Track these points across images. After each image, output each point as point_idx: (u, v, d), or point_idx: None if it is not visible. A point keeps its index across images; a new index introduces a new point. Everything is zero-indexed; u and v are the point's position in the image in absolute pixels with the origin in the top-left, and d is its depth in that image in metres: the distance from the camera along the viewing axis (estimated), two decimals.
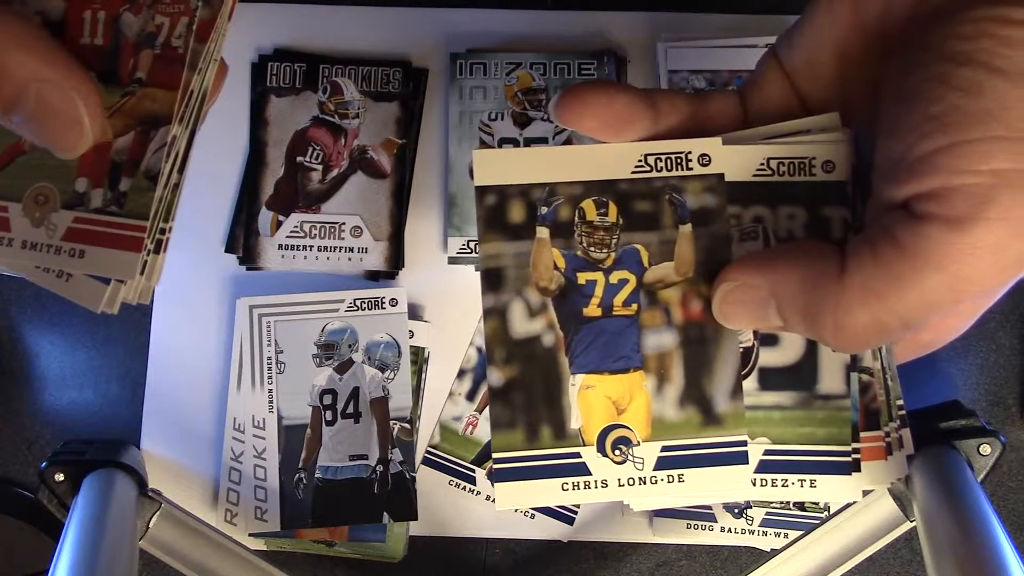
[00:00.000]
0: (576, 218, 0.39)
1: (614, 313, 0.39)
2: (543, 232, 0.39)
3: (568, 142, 0.74)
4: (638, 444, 0.39)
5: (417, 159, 0.76)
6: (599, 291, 0.39)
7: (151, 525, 0.64)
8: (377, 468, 0.72)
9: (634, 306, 0.39)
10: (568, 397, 0.39)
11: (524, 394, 0.39)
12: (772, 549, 0.68)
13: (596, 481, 0.39)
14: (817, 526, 0.64)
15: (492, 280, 0.39)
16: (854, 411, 0.39)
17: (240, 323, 0.73)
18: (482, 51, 0.76)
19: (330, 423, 0.73)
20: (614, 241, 0.39)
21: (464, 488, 0.74)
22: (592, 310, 0.39)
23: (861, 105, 0.38)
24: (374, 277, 0.75)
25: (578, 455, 0.39)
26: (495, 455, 0.39)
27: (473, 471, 0.74)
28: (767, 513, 0.72)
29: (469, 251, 0.73)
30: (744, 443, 0.39)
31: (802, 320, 0.35)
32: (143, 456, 0.73)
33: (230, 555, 0.66)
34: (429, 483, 0.74)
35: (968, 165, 0.30)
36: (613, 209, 0.39)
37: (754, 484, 0.39)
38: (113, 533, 0.58)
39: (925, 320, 0.33)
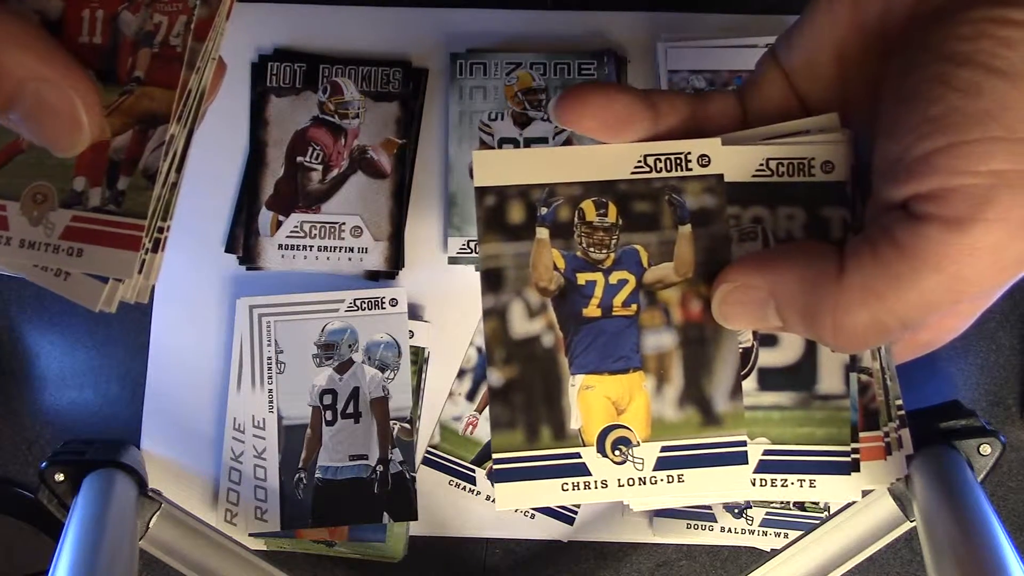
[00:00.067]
0: (576, 219, 0.39)
1: (614, 313, 0.39)
2: (543, 233, 0.39)
3: (568, 142, 0.74)
4: (638, 444, 0.39)
5: (417, 159, 0.76)
6: (599, 291, 0.39)
7: (151, 525, 0.65)
8: (377, 468, 0.72)
9: (634, 306, 0.39)
10: (568, 397, 0.39)
11: (524, 394, 0.39)
12: (772, 549, 0.68)
13: (596, 481, 0.39)
14: (817, 526, 0.64)
15: (492, 281, 0.39)
16: (853, 411, 0.39)
17: (240, 323, 0.73)
18: (482, 51, 0.76)
19: (330, 423, 0.73)
20: (613, 242, 0.39)
21: (464, 488, 0.74)
22: (592, 310, 0.39)
23: (860, 105, 0.38)
24: (374, 277, 0.75)
25: (578, 455, 0.39)
26: (495, 455, 0.39)
27: (473, 471, 0.74)
28: (767, 513, 0.72)
29: (469, 251, 0.73)
30: (743, 443, 0.39)
31: (801, 320, 0.36)
32: (143, 456, 0.73)
33: (230, 555, 0.66)
34: (429, 483, 0.74)
35: (967, 166, 0.30)
36: (612, 210, 0.39)
37: (753, 484, 0.39)
38: (113, 533, 0.58)
39: (924, 320, 0.33)
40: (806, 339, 0.39)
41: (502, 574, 0.74)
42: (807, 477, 0.39)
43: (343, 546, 0.73)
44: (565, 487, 0.38)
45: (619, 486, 0.39)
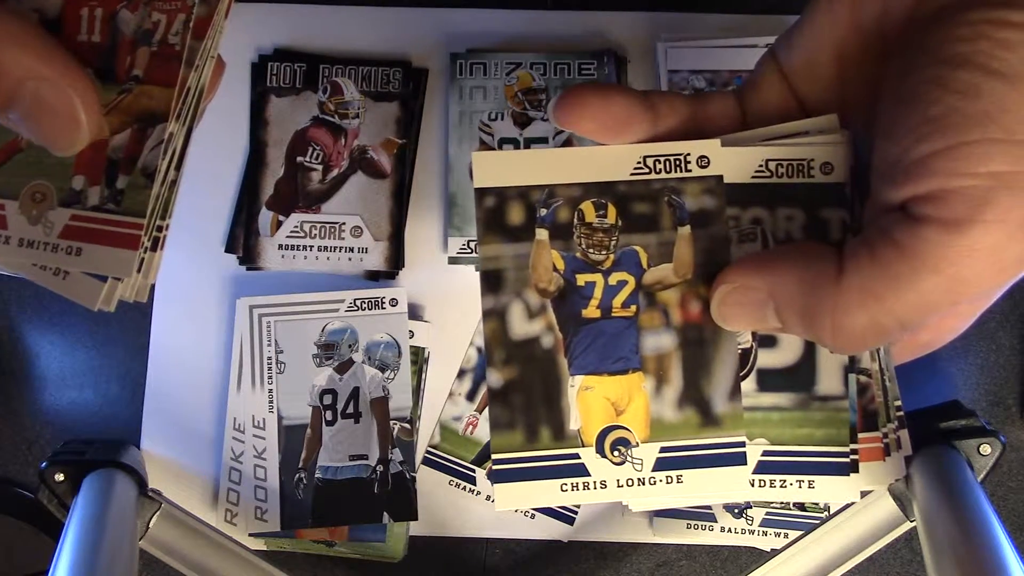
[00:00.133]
0: (575, 220, 0.39)
1: (613, 314, 0.39)
2: (542, 234, 0.39)
3: (568, 143, 0.74)
4: (637, 445, 0.39)
5: (417, 159, 0.76)
6: (598, 292, 0.39)
7: (151, 525, 0.65)
8: (377, 468, 0.72)
9: (633, 307, 0.39)
10: (567, 398, 0.39)
11: (523, 395, 0.39)
12: (772, 549, 0.68)
13: (595, 482, 0.39)
14: (817, 526, 0.64)
15: (491, 282, 0.39)
16: (852, 412, 0.39)
17: (240, 323, 0.73)
18: (482, 51, 0.76)
19: (330, 423, 0.73)
20: (613, 243, 0.39)
21: (464, 488, 0.74)
22: (591, 311, 0.39)
23: (859, 107, 0.38)
24: (374, 277, 0.75)
25: (577, 456, 0.39)
26: (494, 456, 0.39)
27: (473, 471, 0.74)
28: (767, 513, 0.72)
29: (469, 251, 0.73)
30: (742, 444, 0.39)
31: (800, 321, 0.36)
32: (143, 456, 0.73)
33: (230, 555, 0.66)
34: (429, 483, 0.74)
35: (966, 167, 0.30)
36: (612, 211, 0.39)
37: (752, 485, 0.39)
38: (113, 533, 0.58)
39: (923, 321, 0.33)
40: (805, 340, 0.39)
41: (502, 574, 0.74)
42: (806, 478, 0.39)
43: (343, 546, 0.73)
44: (564, 488, 0.39)
45: (618, 487, 0.39)
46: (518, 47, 0.77)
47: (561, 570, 0.74)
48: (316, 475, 0.72)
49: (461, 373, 0.75)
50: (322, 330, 0.73)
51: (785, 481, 0.39)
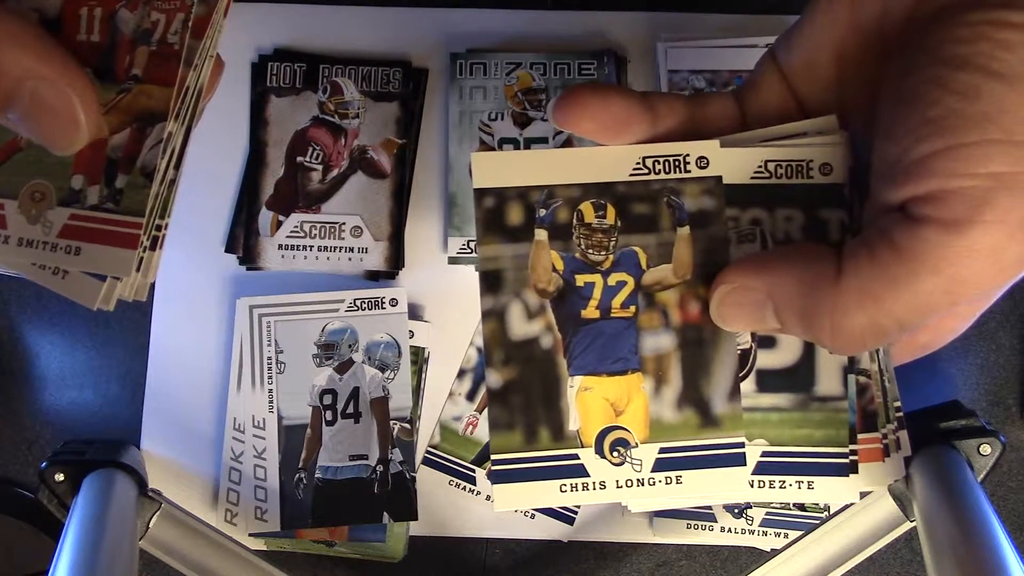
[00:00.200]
0: (574, 220, 0.39)
1: (612, 315, 0.39)
2: (541, 234, 0.39)
3: (568, 143, 0.74)
4: (636, 446, 0.39)
5: (417, 159, 0.76)
6: (597, 293, 0.39)
7: (151, 525, 0.65)
8: (377, 468, 0.72)
9: (632, 308, 0.39)
10: (566, 399, 0.39)
11: (522, 396, 0.39)
12: (772, 549, 0.68)
13: (594, 482, 0.39)
14: (817, 526, 0.64)
15: (491, 282, 0.39)
16: (851, 413, 0.39)
17: (240, 323, 0.73)
18: (482, 51, 0.76)
19: (330, 423, 0.73)
20: (612, 243, 0.39)
21: (464, 488, 0.74)
22: (590, 312, 0.39)
23: (859, 107, 0.38)
24: (374, 277, 0.75)
25: (576, 456, 0.39)
26: (493, 456, 0.39)
27: (473, 471, 0.74)
28: (767, 513, 0.72)
29: (469, 251, 0.73)
30: (742, 444, 0.39)
31: (799, 322, 0.36)
32: (143, 456, 0.73)
33: (230, 555, 0.66)
34: (429, 483, 0.74)
35: (965, 168, 0.30)
36: (611, 211, 0.39)
37: (752, 485, 0.39)
38: (113, 533, 0.58)
39: (922, 322, 0.33)
40: (804, 341, 0.39)
41: (502, 574, 0.74)
42: (805, 478, 0.39)
43: (343, 546, 0.73)
44: (563, 488, 0.38)
45: (617, 487, 0.39)
46: (518, 47, 0.77)
47: (561, 570, 0.74)
48: (316, 475, 0.72)
49: (461, 373, 0.75)
50: (322, 330, 0.73)
51: (784, 482, 0.39)
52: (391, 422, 0.72)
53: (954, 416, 0.65)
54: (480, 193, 0.39)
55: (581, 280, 0.39)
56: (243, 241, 0.74)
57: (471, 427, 0.74)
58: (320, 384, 0.73)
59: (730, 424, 0.39)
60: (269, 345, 0.73)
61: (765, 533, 0.72)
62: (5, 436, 0.75)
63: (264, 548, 0.73)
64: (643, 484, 0.39)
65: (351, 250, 0.74)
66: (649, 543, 0.74)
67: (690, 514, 0.72)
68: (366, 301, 0.73)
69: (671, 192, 0.39)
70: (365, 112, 0.75)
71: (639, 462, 0.39)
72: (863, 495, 0.59)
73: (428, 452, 0.74)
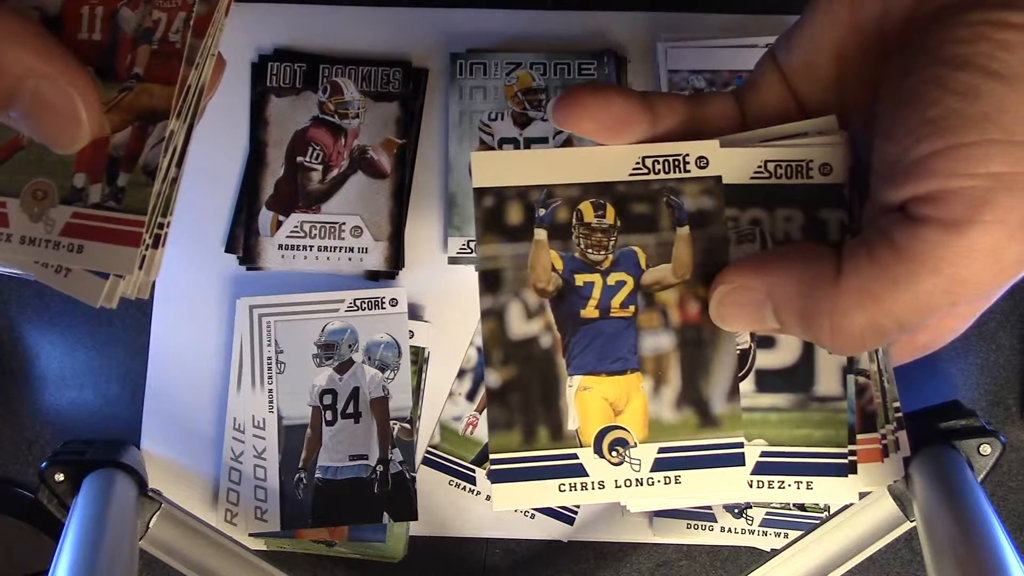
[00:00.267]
0: (574, 220, 0.39)
1: (611, 315, 0.39)
2: (541, 234, 0.39)
3: (568, 143, 0.74)
4: (635, 445, 0.39)
5: (417, 159, 0.76)
6: (597, 293, 0.39)
7: (151, 525, 0.65)
8: (377, 468, 0.72)
9: (631, 308, 0.39)
10: (565, 398, 0.39)
11: (521, 395, 0.39)
12: (772, 549, 0.68)
13: (593, 482, 0.39)
14: (817, 526, 0.64)
15: (490, 281, 0.39)
16: (850, 413, 0.39)
17: (240, 323, 0.73)
18: (482, 51, 0.76)
19: (330, 423, 0.73)
20: (612, 243, 0.39)
21: (464, 488, 0.74)
22: (590, 312, 0.39)
23: (858, 108, 0.38)
24: (374, 277, 0.75)
25: (575, 456, 0.39)
26: (492, 456, 0.39)
27: (473, 471, 0.74)
28: (767, 513, 0.72)
29: (469, 251, 0.73)
30: (741, 445, 0.39)
31: (798, 322, 0.35)
32: (143, 456, 0.73)
33: (230, 555, 0.66)
34: (429, 483, 0.74)
35: (965, 168, 0.30)
36: (611, 211, 0.39)
37: (750, 486, 0.39)
38: (113, 533, 0.58)
39: (921, 322, 0.33)
40: (804, 341, 0.39)
41: (502, 574, 0.74)
42: (804, 479, 0.39)
43: (343, 546, 0.73)
44: (562, 488, 0.38)
45: (616, 487, 0.39)
46: (518, 47, 0.77)
47: (561, 570, 0.74)
48: (316, 475, 0.72)
49: (461, 373, 0.75)
50: (322, 330, 0.73)
51: (783, 482, 0.39)
52: (391, 422, 0.72)
53: (954, 416, 0.65)
54: (480, 192, 0.39)
55: (580, 280, 0.39)
56: (243, 241, 0.74)
57: (471, 427, 0.74)
58: (320, 384, 0.73)
59: (729, 424, 0.39)
60: (269, 345, 0.73)
61: (765, 533, 0.72)
62: (5, 436, 0.75)
63: (264, 548, 0.73)
64: (642, 484, 0.39)
65: (351, 250, 0.74)
66: (649, 543, 0.74)
67: (690, 514, 0.72)
68: (366, 301, 0.73)
69: (671, 192, 0.39)
70: (365, 112, 0.75)
71: (638, 462, 0.39)
72: (862, 495, 0.59)
73: (428, 452, 0.74)
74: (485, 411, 0.72)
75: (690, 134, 0.39)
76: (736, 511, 0.72)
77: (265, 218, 0.74)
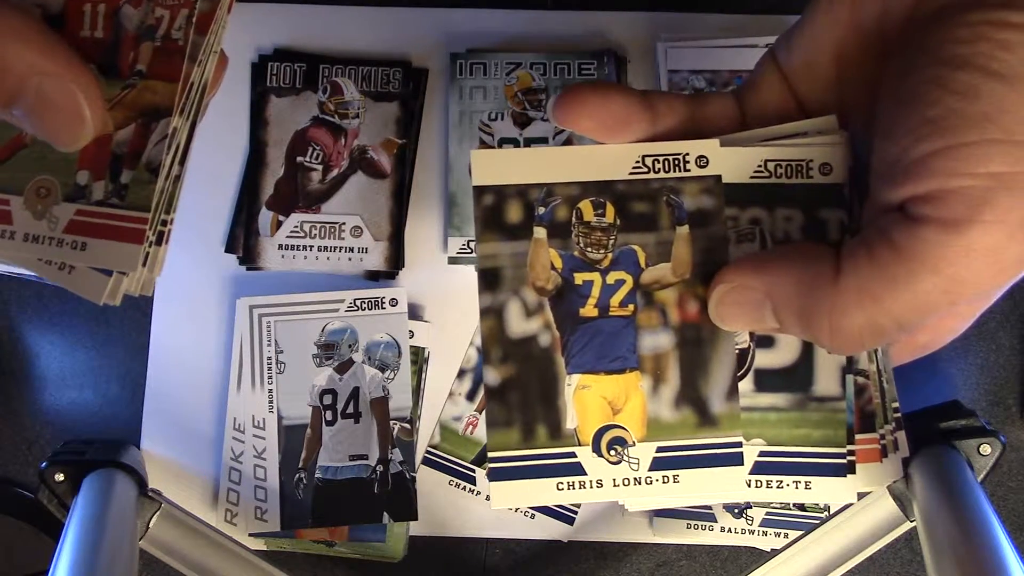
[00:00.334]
0: (573, 218, 0.39)
1: (611, 313, 0.39)
2: (540, 232, 0.39)
3: (568, 142, 0.74)
4: (633, 444, 0.39)
5: (417, 159, 0.76)
6: (596, 291, 0.39)
7: (151, 525, 0.65)
8: (377, 468, 0.72)
9: (631, 307, 0.39)
10: (564, 397, 0.39)
11: (520, 393, 0.39)
12: (772, 549, 0.68)
13: (591, 481, 0.39)
14: (817, 526, 0.64)
15: (489, 280, 0.39)
16: (849, 413, 0.39)
17: (240, 323, 0.73)
18: (482, 51, 0.76)
19: (330, 423, 0.73)
20: (611, 242, 0.39)
21: (464, 488, 0.74)
22: (589, 310, 0.39)
23: (858, 107, 0.38)
24: (374, 277, 0.75)
25: (573, 455, 0.39)
26: (491, 454, 0.39)
27: (473, 471, 0.74)
28: (767, 513, 0.72)
29: (469, 251, 0.73)
30: (739, 444, 0.39)
31: (797, 321, 0.35)
32: (143, 456, 0.73)
33: (230, 555, 0.66)
34: (429, 483, 0.74)
35: (964, 168, 0.30)
36: (610, 210, 0.39)
37: (749, 485, 0.39)
38: (113, 533, 0.58)
39: (920, 322, 0.33)
40: (803, 341, 0.39)
41: (502, 574, 0.74)
42: (802, 478, 0.39)
43: (343, 546, 0.73)
44: (560, 486, 0.38)
45: (614, 486, 0.39)
46: (518, 47, 0.77)
47: (561, 570, 0.74)
48: (316, 475, 0.72)
49: (461, 373, 0.75)
50: (322, 330, 0.73)
51: (782, 482, 0.39)
52: (391, 422, 0.72)
53: (954, 416, 0.65)
54: (479, 191, 0.39)
55: (580, 278, 0.39)
56: (243, 241, 0.74)
57: (471, 427, 0.74)
58: (320, 384, 0.73)
59: (728, 423, 0.39)
60: (269, 345, 0.73)
61: (765, 533, 0.72)
62: (5, 436, 0.75)
63: (264, 548, 0.73)
64: (640, 483, 0.39)
65: (351, 250, 0.74)
66: (649, 543, 0.74)
67: (690, 514, 0.72)
68: (366, 301, 0.73)
69: (670, 191, 0.39)
70: (365, 112, 0.75)
71: (636, 461, 0.39)
72: (861, 495, 0.59)
73: (428, 452, 0.74)
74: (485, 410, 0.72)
75: (690, 133, 0.40)
76: (736, 511, 0.72)
77: (265, 218, 0.74)
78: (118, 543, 0.58)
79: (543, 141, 0.75)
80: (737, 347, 0.39)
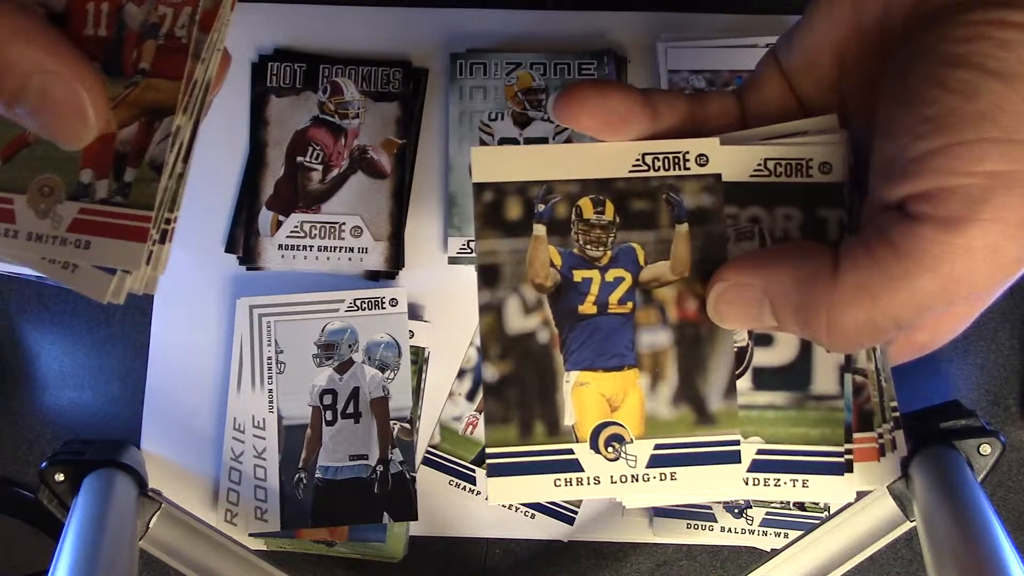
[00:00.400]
0: (573, 216, 0.39)
1: (609, 311, 0.39)
2: (540, 229, 0.39)
3: (568, 142, 0.74)
4: (631, 442, 0.39)
5: (417, 159, 0.76)
6: (595, 289, 0.39)
7: (151, 525, 0.65)
8: (377, 468, 0.72)
9: (629, 304, 0.39)
10: (562, 394, 0.39)
11: (518, 390, 0.39)
12: (772, 549, 0.68)
13: (589, 478, 0.39)
14: (817, 526, 0.64)
15: (488, 276, 0.39)
16: (847, 412, 0.39)
17: (240, 323, 0.73)
18: (482, 51, 0.76)
19: (330, 423, 0.73)
20: (610, 239, 0.39)
21: (464, 488, 0.74)
22: (587, 308, 0.39)
23: (859, 107, 0.38)
24: (374, 277, 0.75)
25: (571, 451, 0.39)
26: (488, 450, 0.39)
27: (473, 471, 0.74)
28: (767, 513, 0.72)
29: (469, 251, 0.73)
30: (737, 442, 0.39)
31: (796, 320, 0.35)
32: (143, 456, 0.73)
33: (230, 555, 0.66)
34: (429, 483, 0.74)
35: (963, 166, 0.30)
36: (610, 207, 0.39)
37: (746, 483, 0.39)
38: (113, 533, 0.58)
39: (918, 320, 0.33)
40: (801, 339, 0.39)
41: (502, 574, 0.74)
42: (800, 477, 0.39)
43: (343, 546, 0.73)
44: (558, 483, 0.38)
45: (612, 483, 0.39)
46: (518, 47, 0.77)
47: (561, 570, 0.74)
48: (316, 475, 0.72)
49: (461, 373, 0.75)
50: (322, 330, 0.73)
51: (779, 480, 0.39)
52: (391, 422, 0.72)
53: (954, 416, 0.65)
54: (479, 187, 0.39)
55: (579, 276, 0.39)
56: (243, 241, 0.75)
57: (471, 427, 0.74)
58: (320, 384, 0.73)
59: (726, 421, 0.39)
60: (269, 345, 0.73)
61: (765, 533, 0.72)
62: (5, 436, 0.75)
63: (264, 548, 0.73)
64: (637, 480, 0.39)
65: (351, 250, 0.74)
66: (649, 543, 0.74)
67: (690, 514, 0.72)
68: (366, 301, 0.73)
69: (670, 189, 0.39)
70: (365, 112, 0.75)
71: (634, 458, 0.39)
72: (860, 495, 0.59)
73: (428, 452, 0.74)
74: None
75: (690, 132, 0.39)
76: (736, 511, 0.72)
77: (265, 218, 0.74)
78: (118, 543, 0.58)
79: (543, 141, 0.75)
80: (736, 345, 0.39)
